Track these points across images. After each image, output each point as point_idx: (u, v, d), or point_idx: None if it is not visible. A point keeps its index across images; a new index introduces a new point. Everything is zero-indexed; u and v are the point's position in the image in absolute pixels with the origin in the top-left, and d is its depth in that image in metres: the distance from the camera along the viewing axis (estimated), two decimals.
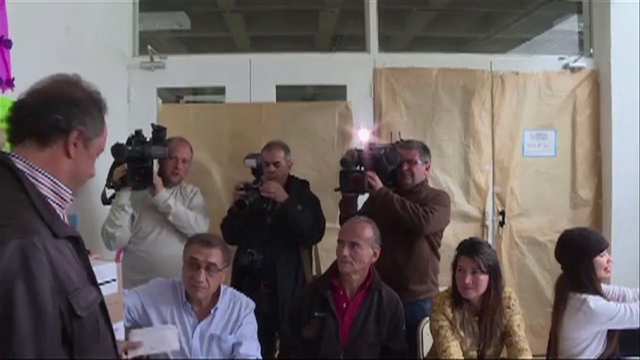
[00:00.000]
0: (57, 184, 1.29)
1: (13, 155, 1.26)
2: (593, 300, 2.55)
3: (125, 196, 3.06)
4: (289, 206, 3.14)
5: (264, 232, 3.18)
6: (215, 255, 2.50)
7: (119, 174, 3.00)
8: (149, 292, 2.58)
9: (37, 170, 1.26)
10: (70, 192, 1.33)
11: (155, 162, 3.04)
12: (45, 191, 1.26)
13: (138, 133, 3.00)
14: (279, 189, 3.17)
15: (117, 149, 2.85)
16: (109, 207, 3.13)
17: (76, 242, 1.31)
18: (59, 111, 1.28)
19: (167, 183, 3.20)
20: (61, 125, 1.28)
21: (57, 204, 1.29)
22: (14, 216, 1.15)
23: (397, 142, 3.27)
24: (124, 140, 2.93)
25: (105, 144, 1.44)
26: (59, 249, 1.19)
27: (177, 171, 3.23)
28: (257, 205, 3.09)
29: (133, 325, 2.44)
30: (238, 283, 3.08)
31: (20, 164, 1.24)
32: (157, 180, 3.05)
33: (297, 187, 3.36)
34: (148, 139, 3.01)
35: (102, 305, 1.34)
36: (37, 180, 1.26)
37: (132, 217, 3.14)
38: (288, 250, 3.22)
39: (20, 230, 1.12)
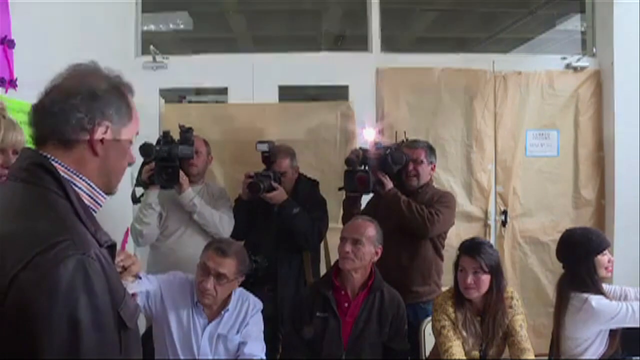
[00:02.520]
0: (93, 189, 1.24)
1: (51, 159, 1.19)
2: (595, 300, 2.55)
3: (153, 195, 3.10)
4: (286, 208, 3.14)
5: (270, 234, 3.19)
6: (227, 266, 2.48)
7: (147, 173, 3.06)
8: (169, 286, 2.58)
9: (75, 174, 1.21)
10: (105, 196, 1.28)
11: None
12: (83, 197, 1.22)
13: (166, 134, 3.09)
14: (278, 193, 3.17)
15: (145, 149, 2.94)
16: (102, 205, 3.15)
17: (112, 249, 1.25)
18: (79, 108, 1.20)
19: (190, 180, 3.21)
20: (84, 124, 1.20)
21: (92, 209, 1.24)
22: (68, 229, 1.09)
23: (403, 142, 3.27)
24: None
25: (137, 127, 1.35)
26: (105, 257, 1.15)
27: (193, 162, 3.24)
28: (268, 190, 3.11)
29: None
30: (242, 285, 3.08)
31: (60, 169, 1.19)
32: (184, 179, 3.08)
33: (306, 187, 3.35)
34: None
35: None
36: (75, 185, 1.20)
37: (160, 215, 3.18)
38: (291, 252, 3.22)
39: (78, 245, 1.07)
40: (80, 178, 1.21)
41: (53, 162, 1.18)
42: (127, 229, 3.43)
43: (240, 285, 2.65)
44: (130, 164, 1.36)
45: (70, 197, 1.16)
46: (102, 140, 1.23)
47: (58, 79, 1.24)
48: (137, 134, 1.35)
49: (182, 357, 2.50)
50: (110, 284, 1.11)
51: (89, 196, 1.23)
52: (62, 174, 1.18)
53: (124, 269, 1.98)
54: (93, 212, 1.24)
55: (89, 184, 1.23)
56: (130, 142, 1.33)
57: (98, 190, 1.25)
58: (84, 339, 1.03)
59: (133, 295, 1.62)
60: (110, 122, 1.24)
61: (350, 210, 3.21)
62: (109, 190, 1.31)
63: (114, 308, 1.11)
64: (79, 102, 1.20)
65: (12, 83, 2.47)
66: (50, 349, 1.00)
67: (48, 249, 1.03)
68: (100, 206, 1.27)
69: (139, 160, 3.07)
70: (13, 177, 1.19)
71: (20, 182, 1.16)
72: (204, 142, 3.34)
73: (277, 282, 3.18)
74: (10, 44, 2.49)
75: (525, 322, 2.65)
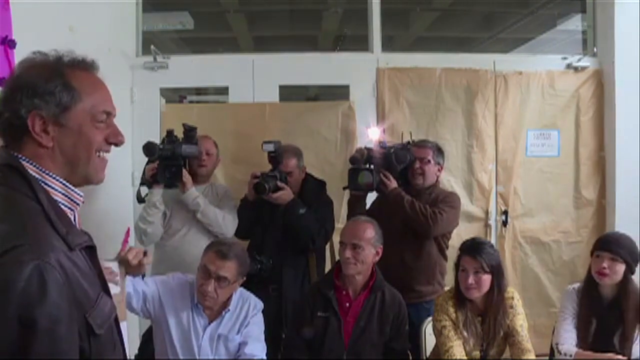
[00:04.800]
0: (67, 187, 1.18)
1: (22, 159, 1.14)
2: None
3: (156, 193, 3.11)
4: (292, 208, 3.13)
5: (276, 235, 3.19)
6: (227, 269, 2.46)
7: (150, 172, 3.07)
8: (168, 288, 2.57)
9: (47, 173, 1.15)
10: (81, 194, 1.21)
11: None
12: (57, 196, 1.16)
13: (170, 133, 3.09)
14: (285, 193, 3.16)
15: (148, 148, 2.96)
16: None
17: (91, 250, 1.21)
18: (7, 106, 1.13)
19: (196, 179, 3.22)
20: (13, 122, 1.13)
21: (69, 207, 1.19)
22: (28, 233, 1.04)
23: (409, 142, 3.26)
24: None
25: (103, 104, 1.22)
26: (73, 261, 1.09)
27: (203, 163, 3.25)
28: (274, 190, 3.10)
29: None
30: (246, 285, 3.07)
31: (30, 169, 1.13)
32: (187, 178, 3.09)
33: (313, 187, 3.34)
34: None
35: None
36: (48, 185, 1.15)
37: (165, 214, 3.18)
38: (296, 252, 3.21)
39: (35, 250, 1.02)
40: (54, 177, 1.16)
41: (23, 162, 1.13)
42: (128, 229, 3.43)
43: (244, 285, 2.64)
44: (116, 144, 1.26)
45: (39, 198, 1.11)
46: (45, 131, 1.14)
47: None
48: (108, 112, 1.23)
49: (182, 358, 2.50)
50: (76, 289, 1.06)
51: (65, 195, 1.18)
52: (33, 173, 1.13)
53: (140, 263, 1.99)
54: (71, 211, 1.19)
55: (63, 184, 1.17)
56: (98, 121, 1.21)
57: (73, 188, 1.19)
58: (34, 348, 0.98)
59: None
60: (42, 110, 1.13)
61: (355, 209, 3.20)
62: (88, 180, 1.24)
63: (80, 313, 1.07)
64: (5, 100, 1.15)
65: None
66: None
67: (3, 254, 0.99)
68: (79, 205, 1.21)
69: (143, 158, 3.08)
70: None
71: None
72: (214, 144, 3.35)
73: (282, 283, 3.17)
74: (12, 44, 2.49)
75: (526, 322, 2.65)
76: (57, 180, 1.17)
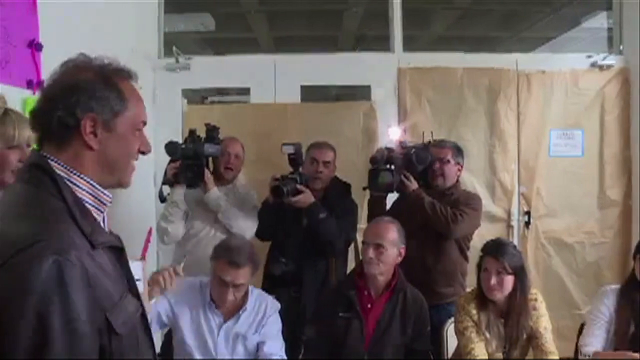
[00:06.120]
0: (95, 187, 1.20)
1: (49, 158, 1.16)
2: None
3: (178, 193, 3.12)
4: (312, 212, 3.08)
5: (297, 237, 3.15)
6: (242, 276, 2.46)
7: (172, 170, 3.09)
8: (178, 295, 2.57)
9: (74, 173, 1.17)
10: (109, 195, 1.23)
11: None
12: (84, 195, 1.18)
13: (192, 132, 3.11)
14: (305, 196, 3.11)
15: (170, 147, 2.99)
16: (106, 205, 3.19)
17: (119, 250, 1.24)
18: (60, 105, 1.16)
19: (221, 181, 3.23)
20: (66, 121, 1.16)
21: (96, 207, 1.20)
22: (49, 229, 1.06)
23: (429, 142, 3.24)
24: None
25: (143, 114, 1.29)
26: (97, 261, 1.11)
27: (230, 166, 3.25)
28: (293, 193, 3.05)
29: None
30: (268, 288, 3.07)
31: (58, 168, 1.16)
32: (209, 177, 3.10)
33: (338, 189, 3.29)
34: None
35: (142, 314, 1.27)
36: (75, 184, 1.17)
37: (187, 213, 3.19)
38: (317, 255, 3.17)
39: (56, 245, 1.03)
40: (81, 177, 1.18)
41: (50, 161, 1.16)
42: (150, 229, 3.46)
43: (266, 287, 2.64)
44: (144, 153, 1.30)
45: (64, 196, 1.13)
46: (94, 134, 1.18)
47: (49, 79, 1.23)
48: (145, 122, 1.29)
49: (198, 357, 2.51)
50: (97, 288, 1.07)
51: (92, 196, 1.20)
52: (60, 172, 1.16)
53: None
54: (98, 212, 1.21)
55: (90, 183, 1.19)
56: (137, 129, 1.26)
57: (101, 189, 1.21)
58: (53, 344, 0.99)
59: None
60: (97, 113, 1.18)
61: (375, 210, 3.19)
62: (120, 184, 1.28)
63: (101, 312, 1.07)
64: (58, 99, 1.17)
65: (40, 85, 2.51)
66: (17, 349, 0.98)
67: (25, 249, 1.01)
68: (106, 205, 1.23)
69: (165, 158, 3.10)
70: (18, 179, 1.19)
71: (21, 182, 1.16)
72: (241, 146, 3.33)
73: (302, 285, 3.14)
74: (38, 46, 2.54)
75: (550, 324, 2.62)
76: (85, 179, 1.18)
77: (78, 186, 1.17)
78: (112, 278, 1.14)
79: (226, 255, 2.49)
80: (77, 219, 1.12)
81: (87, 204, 1.18)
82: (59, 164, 1.16)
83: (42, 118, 1.18)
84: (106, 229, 1.26)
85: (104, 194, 1.22)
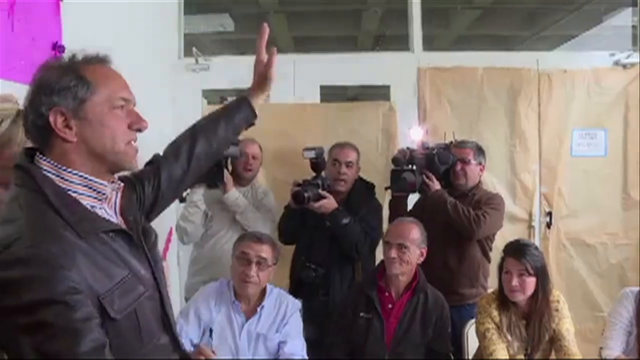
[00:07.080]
0: (86, 178, 1.21)
1: (42, 158, 1.20)
2: None
3: (197, 193, 3.15)
4: (335, 218, 3.03)
5: (322, 241, 3.11)
6: (265, 251, 2.55)
7: None
8: (199, 300, 2.62)
9: (63, 169, 1.19)
10: (104, 183, 1.25)
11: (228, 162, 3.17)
12: (78, 188, 1.20)
13: None
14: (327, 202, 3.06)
15: None
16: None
17: (123, 234, 1.25)
18: (30, 110, 1.20)
19: (240, 181, 3.26)
20: (37, 123, 1.19)
21: (95, 197, 1.23)
22: (27, 224, 1.10)
23: (451, 142, 3.22)
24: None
25: (119, 91, 1.26)
26: (85, 246, 1.13)
27: (249, 167, 3.27)
28: (315, 198, 3.01)
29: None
30: (296, 292, 3.07)
31: (48, 166, 1.19)
32: (228, 178, 3.12)
33: (362, 191, 3.25)
34: None
35: (161, 300, 1.30)
36: (65, 179, 1.19)
37: (206, 214, 3.22)
38: (343, 259, 3.13)
39: (32, 239, 1.07)
40: (70, 172, 1.20)
41: (43, 161, 1.19)
42: (171, 229, 3.50)
43: (294, 292, 2.71)
44: (140, 130, 1.29)
45: (44, 188, 1.15)
46: (68, 127, 1.19)
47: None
48: (125, 98, 1.26)
49: (218, 357, 2.52)
50: (88, 273, 1.10)
51: (86, 186, 1.21)
52: (48, 168, 1.19)
53: None
54: (98, 200, 1.24)
55: (81, 176, 1.21)
56: (115, 107, 1.24)
57: (95, 179, 1.22)
58: (39, 333, 1.04)
59: None
60: (62, 106, 1.18)
61: (397, 211, 3.18)
62: (122, 168, 1.29)
63: (93, 297, 1.10)
64: (27, 105, 1.20)
65: None
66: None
67: (3, 250, 1.06)
68: (105, 194, 1.25)
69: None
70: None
71: (12, 184, 1.19)
72: (259, 147, 3.35)
73: (329, 288, 3.10)
74: (61, 49, 2.57)
75: (572, 326, 2.59)
76: (76, 174, 1.20)
77: (69, 181, 1.20)
78: (108, 262, 1.17)
79: (248, 234, 2.69)
80: (59, 210, 1.14)
81: (81, 195, 1.20)
82: (49, 162, 1.20)
83: (25, 126, 1.23)
84: (114, 216, 1.28)
85: (98, 182, 1.24)
